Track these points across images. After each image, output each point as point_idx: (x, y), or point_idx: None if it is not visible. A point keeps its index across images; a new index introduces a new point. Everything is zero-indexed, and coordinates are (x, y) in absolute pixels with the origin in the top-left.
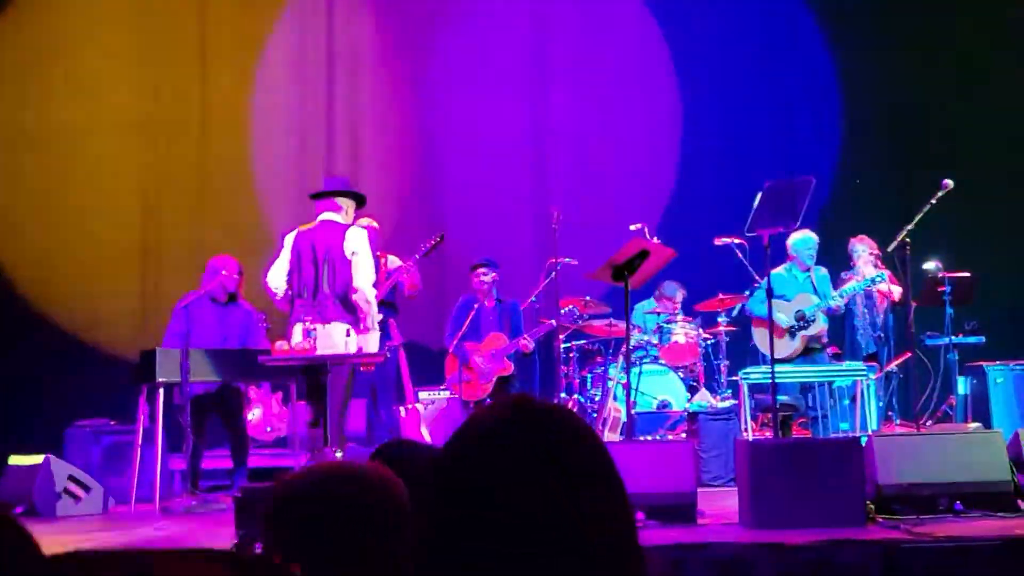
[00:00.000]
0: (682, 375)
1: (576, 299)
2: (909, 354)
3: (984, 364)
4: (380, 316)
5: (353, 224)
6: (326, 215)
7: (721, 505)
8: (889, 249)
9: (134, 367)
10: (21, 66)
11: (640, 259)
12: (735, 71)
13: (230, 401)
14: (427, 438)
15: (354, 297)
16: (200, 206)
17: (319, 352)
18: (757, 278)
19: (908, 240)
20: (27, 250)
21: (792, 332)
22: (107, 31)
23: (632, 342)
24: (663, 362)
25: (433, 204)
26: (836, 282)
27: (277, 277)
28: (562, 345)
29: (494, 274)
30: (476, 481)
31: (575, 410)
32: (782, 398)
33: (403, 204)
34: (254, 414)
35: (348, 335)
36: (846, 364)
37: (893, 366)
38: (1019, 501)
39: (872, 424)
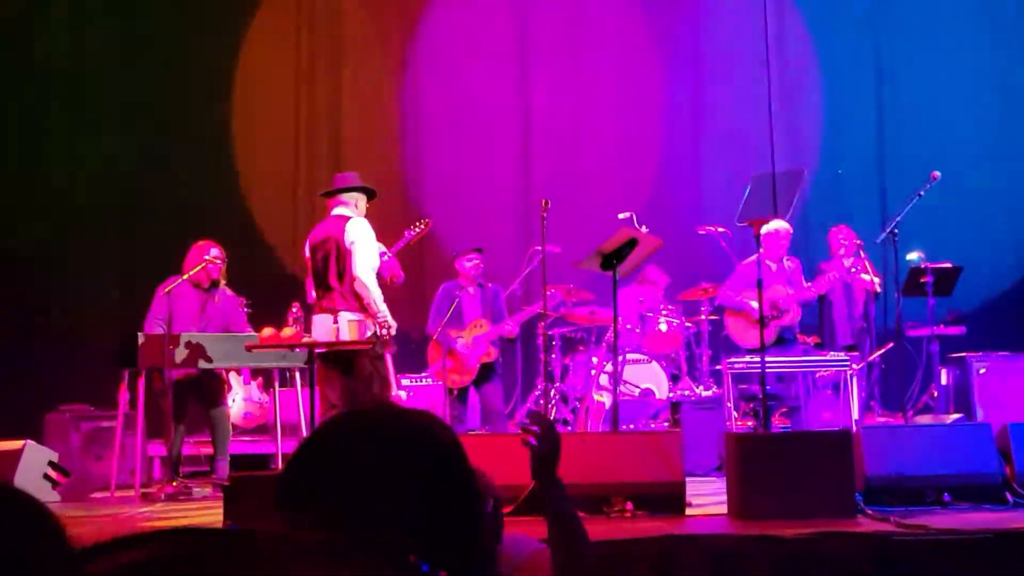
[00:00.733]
0: (664, 364)
1: (559, 287)
2: (891, 344)
3: (966, 355)
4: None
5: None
6: (336, 210)
7: (706, 494)
8: (877, 240)
9: (114, 352)
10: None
11: (628, 248)
12: (718, 58)
13: (211, 387)
14: None
15: (354, 286)
16: (181, 190)
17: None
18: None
19: (896, 231)
20: (3, 232)
21: (765, 321)
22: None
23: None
24: (645, 351)
25: (415, 191)
26: (815, 272)
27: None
28: (544, 333)
29: (480, 261)
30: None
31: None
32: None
33: (385, 191)
34: (234, 400)
35: (358, 324)
36: (830, 355)
37: (875, 356)
38: (1007, 493)
39: (854, 414)
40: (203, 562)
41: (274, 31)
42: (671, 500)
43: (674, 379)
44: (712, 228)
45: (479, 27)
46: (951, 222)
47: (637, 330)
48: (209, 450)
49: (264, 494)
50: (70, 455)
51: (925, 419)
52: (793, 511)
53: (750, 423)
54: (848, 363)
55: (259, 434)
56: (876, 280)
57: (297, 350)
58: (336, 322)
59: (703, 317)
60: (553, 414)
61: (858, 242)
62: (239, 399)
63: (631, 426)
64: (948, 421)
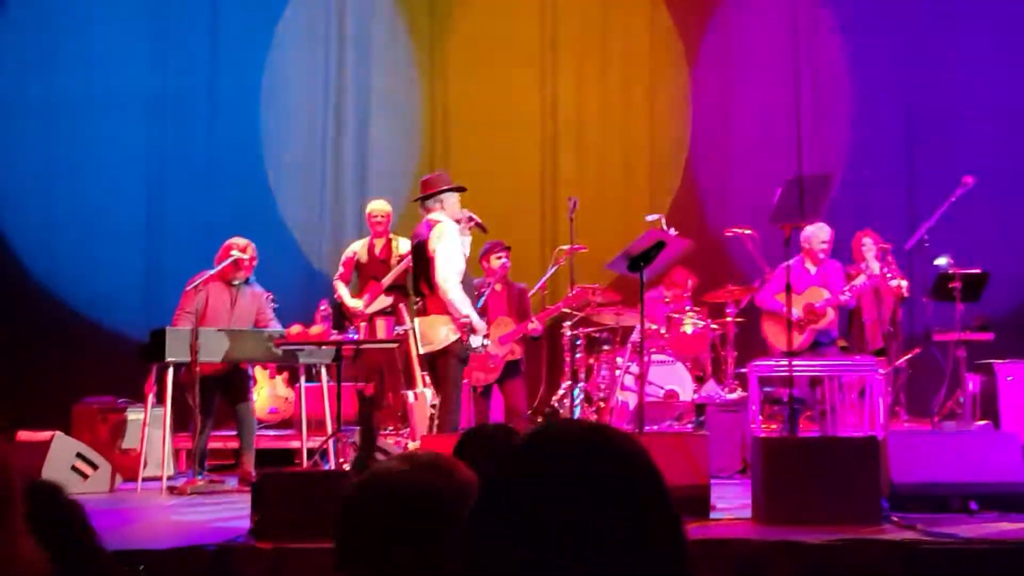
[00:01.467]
0: (689, 366)
1: (585, 287)
2: (919, 350)
3: (993, 362)
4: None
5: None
6: (430, 214)
7: (730, 497)
8: (907, 248)
9: (141, 346)
10: (28, 37)
11: (656, 250)
12: (746, 59)
13: (237, 382)
14: (435, 423)
15: (439, 294)
16: (207, 183)
17: (423, 347)
18: (768, 271)
19: (927, 237)
20: (31, 226)
21: (801, 325)
22: (118, 5)
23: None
24: (671, 352)
25: None
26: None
27: None
28: (569, 332)
29: (508, 258)
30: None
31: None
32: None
33: (412, 187)
34: (259, 395)
35: (446, 329)
36: (856, 359)
37: (902, 361)
38: None
39: (880, 419)
40: None
41: (303, 29)
42: (696, 503)
43: (699, 381)
44: (739, 230)
45: (507, 27)
46: (980, 226)
47: (662, 331)
48: (234, 444)
49: (290, 491)
50: (97, 447)
51: (951, 426)
52: (818, 517)
53: (774, 426)
54: (875, 368)
55: (284, 428)
56: (904, 284)
57: (324, 348)
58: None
59: (729, 319)
60: (577, 414)
61: (884, 246)
62: (264, 394)
63: (655, 427)
64: (974, 428)
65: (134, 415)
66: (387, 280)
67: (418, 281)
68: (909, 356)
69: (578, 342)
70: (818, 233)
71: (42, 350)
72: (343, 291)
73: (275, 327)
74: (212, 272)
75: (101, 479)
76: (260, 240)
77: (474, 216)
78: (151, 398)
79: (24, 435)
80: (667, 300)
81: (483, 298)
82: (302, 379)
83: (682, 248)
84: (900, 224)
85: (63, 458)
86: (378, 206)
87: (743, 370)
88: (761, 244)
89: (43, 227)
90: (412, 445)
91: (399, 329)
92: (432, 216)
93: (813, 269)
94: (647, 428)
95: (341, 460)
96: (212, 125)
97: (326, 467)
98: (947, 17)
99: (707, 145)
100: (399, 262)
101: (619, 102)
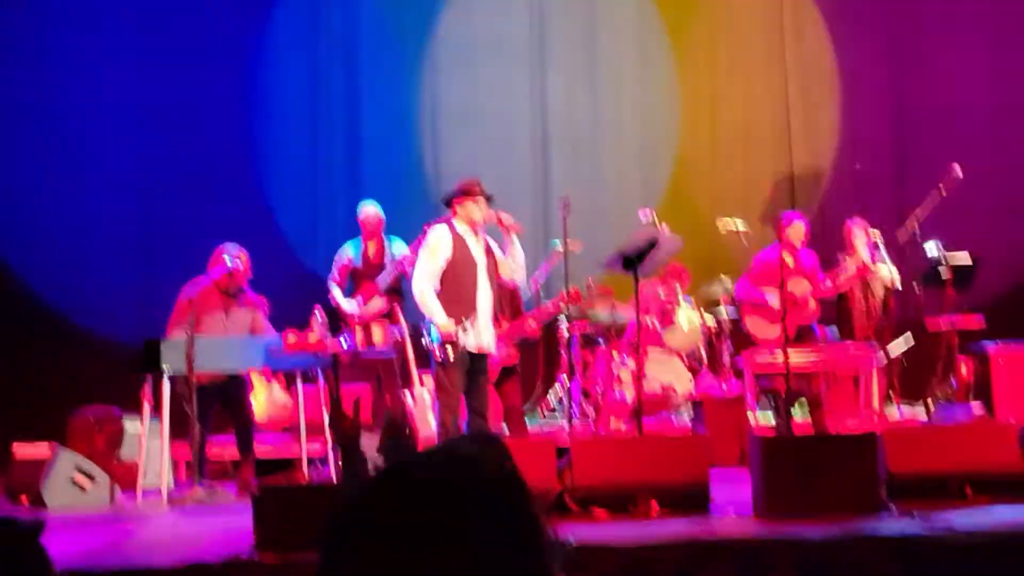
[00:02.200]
0: (685, 359)
1: (578, 283)
2: (909, 334)
3: (986, 345)
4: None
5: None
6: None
7: (729, 491)
8: (901, 241)
9: (137, 355)
10: (21, 44)
11: (649, 248)
12: (733, 52)
13: (235, 389)
14: (432, 424)
15: None
16: (200, 192)
17: None
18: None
19: (918, 228)
20: (25, 235)
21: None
22: (108, 12)
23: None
24: (667, 346)
25: (435, 189)
26: (832, 265)
27: None
28: (565, 329)
29: None
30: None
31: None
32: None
33: (404, 187)
34: (256, 401)
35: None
36: (850, 348)
37: (899, 352)
38: None
39: (873, 407)
40: None
41: (291, 30)
42: (695, 499)
43: (694, 374)
44: (731, 224)
45: (497, 24)
46: (969, 212)
47: (658, 325)
48: (233, 452)
49: (293, 502)
50: (93, 458)
51: (945, 411)
52: (819, 512)
53: (769, 414)
54: (867, 356)
55: (283, 434)
56: (893, 270)
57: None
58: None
59: (723, 312)
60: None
61: (873, 232)
62: (262, 399)
63: (652, 421)
64: (968, 412)
65: (131, 425)
66: (381, 281)
67: None
68: (901, 343)
69: (573, 339)
70: (799, 225)
71: (36, 360)
72: (337, 294)
73: (270, 334)
74: (206, 281)
75: (101, 492)
76: (253, 244)
77: (500, 214)
78: (148, 408)
79: (21, 451)
80: (661, 295)
81: None
82: (299, 383)
83: (674, 246)
84: (890, 214)
85: (63, 473)
86: (369, 209)
87: (739, 362)
88: (752, 236)
89: (35, 235)
90: None
91: (395, 331)
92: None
93: (791, 261)
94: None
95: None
96: (203, 130)
97: (326, 470)
98: (936, 8)
99: (697, 138)
100: (392, 263)
101: (609, 98)
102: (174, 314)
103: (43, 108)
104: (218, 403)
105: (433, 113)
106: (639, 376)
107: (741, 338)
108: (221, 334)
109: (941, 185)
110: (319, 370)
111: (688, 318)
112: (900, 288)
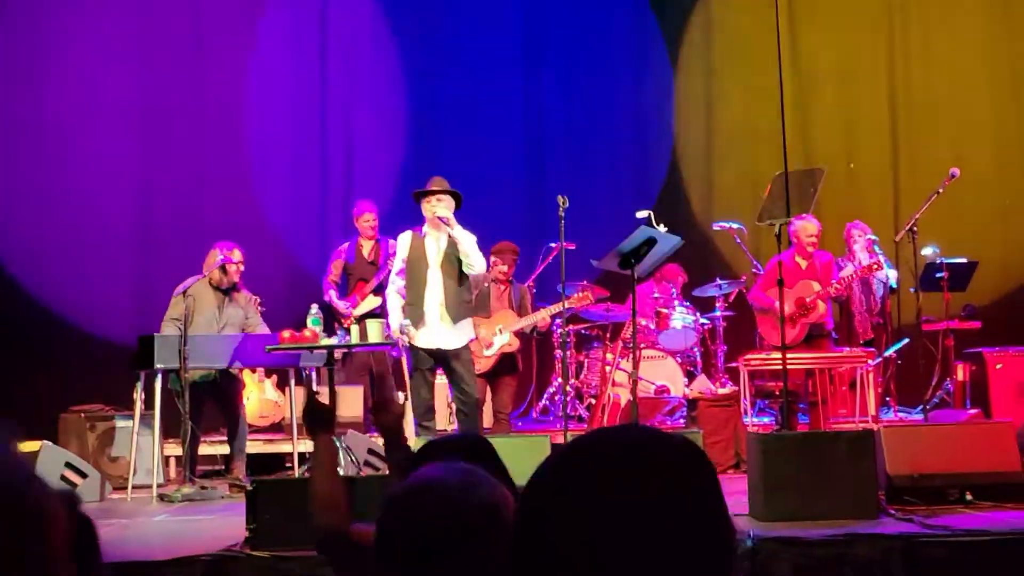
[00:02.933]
0: (680, 360)
1: (573, 283)
2: (907, 339)
3: (982, 350)
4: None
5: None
6: None
7: (725, 493)
8: (896, 238)
9: (130, 353)
10: (16, 48)
11: (647, 247)
12: (728, 52)
13: (228, 387)
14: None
15: None
16: (195, 192)
17: None
18: (756, 265)
19: (915, 228)
20: (19, 232)
21: (792, 319)
22: (101, 16)
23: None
24: (661, 347)
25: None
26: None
27: None
28: (563, 327)
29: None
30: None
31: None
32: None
33: (398, 187)
34: (249, 399)
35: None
36: (846, 351)
37: (891, 352)
38: None
39: (871, 410)
40: None
41: (286, 29)
42: None
43: (689, 376)
44: (726, 224)
45: (489, 22)
46: (966, 216)
47: (652, 326)
48: (225, 450)
49: (286, 498)
50: (85, 456)
51: (941, 415)
52: (816, 512)
53: (767, 420)
54: (865, 359)
55: (274, 433)
56: (892, 274)
57: (316, 352)
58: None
59: (718, 313)
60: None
61: (872, 237)
62: (254, 398)
63: (646, 424)
64: (964, 417)
65: (123, 423)
66: (375, 282)
67: None
68: (899, 346)
69: (568, 339)
70: (806, 226)
71: (29, 358)
72: (332, 293)
73: (263, 331)
74: (199, 278)
75: (91, 488)
76: (248, 243)
77: (435, 209)
78: (140, 405)
79: None
80: (656, 297)
81: (479, 293)
82: (291, 382)
83: (672, 245)
84: (887, 215)
85: (51, 468)
86: (364, 208)
87: (734, 364)
88: (749, 238)
89: (30, 234)
90: None
91: (389, 332)
92: None
93: (803, 263)
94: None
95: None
96: (199, 128)
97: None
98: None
99: (692, 138)
100: (389, 263)
101: (603, 98)
102: (167, 311)
103: (39, 104)
104: (210, 401)
105: (428, 112)
106: (635, 378)
107: (736, 339)
108: (214, 331)
109: (939, 187)
110: (314, 370)
111: (683, 319)
112: (897, 288)
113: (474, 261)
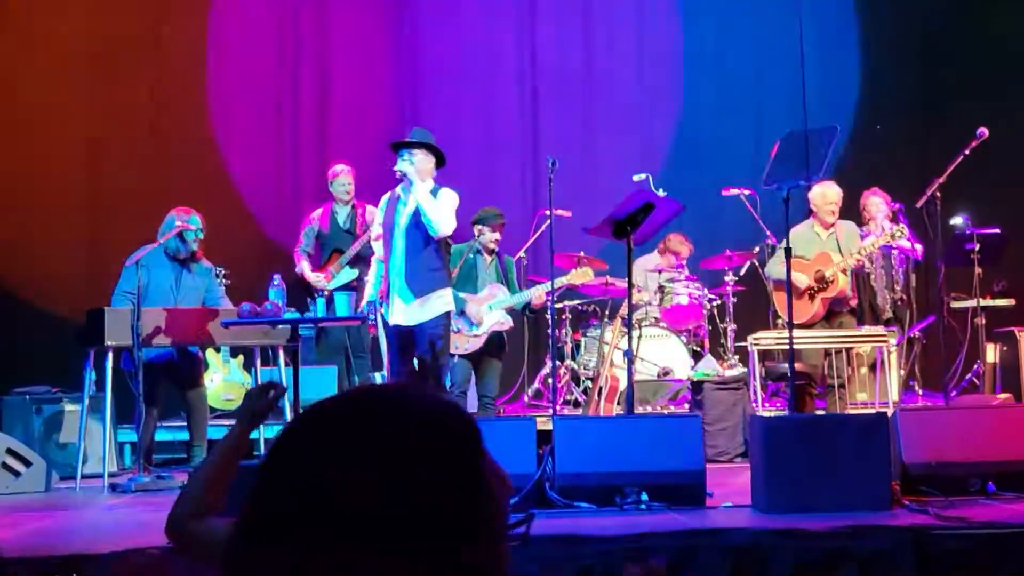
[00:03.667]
0: (685, 339)
1: (569, 255)
2: (933, 318)
3: (1015, 330)
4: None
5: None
6: None
7: (730, 483)
8: (918, 205)
9: (79, 329)
10: None
11: (643, 213)
12: (743, 7)
13: (187, 367)
14: None
15: None
16: (154, 153)
17: None
18: (770, 235)
19: (938, 194)
20: None
21: (811, 294)
22: None
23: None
24: (664, 325)
25: None
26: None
27: None
28: (553, 305)
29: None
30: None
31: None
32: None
33: (380, 152)
34: (212, 380)
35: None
36: (865, 329)
37: (916, 331)
38: None
39: (893, 394)
40: None
41: None
42: (690, 490)
43: (696, 356)
44: (738, 190)
45: None
46: (999, 184)
47: (655, 302)
48: (185, 436)
49: (241, 486)
50: (30, 442)
51: (970, 400)
52: (823, 502)
53: (778, 404)
54: (886, 338)
55: None
56: (918, 248)
57: (279, 327)
58: None
59: (728, 288)
60: (563, 394)
61: (893, 206)
62: (218, 379)
63: (648, 408)
64: (995, 402)
65: (72, 406)
66: (351, 252)
67: None
68: (923, 325)
69: (563, 316)
70: (826, 193)
71: None
72: (304, 263)
73: (225, 305)
74: (153, 246)
75: (35, 477)
76: (212, 209)
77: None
78: (90, 386)
79: None
80: (659, 271)
81: (463, 263)
82: (257, 363)
83: (672, 211)
84: (914, 180)
85: None
86: (340, 172)
87: (744, 344)
88: (762, 204)
89: None
90: None
91: (364, 306)
92: None
93: (824, 233)
94: (638, 409)
95: None
96: (156, 82)
97: None
98: None
99: (702, 98)
100: (366, 232)
101: (604, 51)
102: (119, 283)
103: None
104: (168, 381)
105: (412, 68)
106: (630, 357)
107: (747, 316)
108: (170, 305)
109: (966, 149)
110: (280, 348)
111: (689, 294)
112: (922, 261)
113: (434, 220)
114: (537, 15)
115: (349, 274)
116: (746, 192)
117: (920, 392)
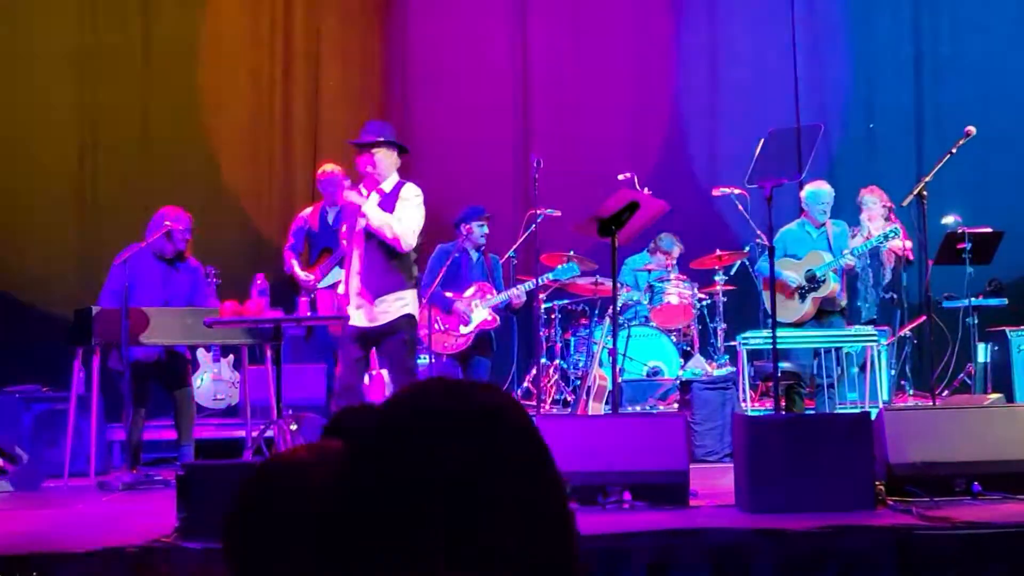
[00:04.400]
0: (675, 339)
1: (558, 254)
2: (924, 318)
3: (1007, 329)
4: None
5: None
6: None
7: (716, 484)
8: (904, 203)
9: (68, 328)
10: None
11: (628, 212)
12: (735, 6)
13: (174, 366)
14: None
15: None
16: (144, 150)
17: None
18: (760, 234)
19: (925, 192)
20: None
21: (802, 293)
22: None
23: (620, 302)
24: (654, 324)
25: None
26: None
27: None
28: (543, 305)
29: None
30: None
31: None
32: (784, 365)
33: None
34: (201, 380)
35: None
36: (855, 329)
37: (906, 331)
38: None
39: (883, 395)
40: None
41: None
42: (673, 490)
43: (685, 355)
44: (728, 189)
45: None
46: (992, 183)
47: (645, 301)
48: (172, 435)
49: (222, 485)
50: (20, 440)
51: (960, 400)
52: (806, 502)
53: (768, 405)
54: (876, 338)
55: (229, 417)
56: (908, 245)
57: (262, 326)
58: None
59: (718, 287)
60: (552, 394)
61: (888, 204)
62: (207, 379)
63: (636, 407)
64: (985, 402)
65: (61, 405)
66: (340, 251)
67: None
68: (913, 324)
69: (553, 316)
70: (817, 192)
71: None
72: (293, 263)
73: (213, 305)
74: (141, 246)
75: (24, 475)
76: (203, 208)
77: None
78: (79, 385)
79: None
80: (648, 270)
81: (450, 262)
82: (245, 361)
83: (657, 210)
84: (907, 179)
85: None
86: (329, 171)
87: (734, 343)
88: (752, 204)
89: None
90: None
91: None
92: None
93: (814, 232)
94: (627, 409)
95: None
96: (147, 83)
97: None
98: None
99: (694, 96)
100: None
101: (596, 49)
102: (107, 282)
103: None
104: (156, 380)
105: (403, 66)
106: (615, 354)
107: (737, 316)
108: (159, 304)
109: (953, 147)
110: (268, 347)
111: (679, 293)
112: (912, 259)
113: (390, 240)
114: (528, 13)
115: (339, 274)
116: (736, 191)
117: (911, 392)
